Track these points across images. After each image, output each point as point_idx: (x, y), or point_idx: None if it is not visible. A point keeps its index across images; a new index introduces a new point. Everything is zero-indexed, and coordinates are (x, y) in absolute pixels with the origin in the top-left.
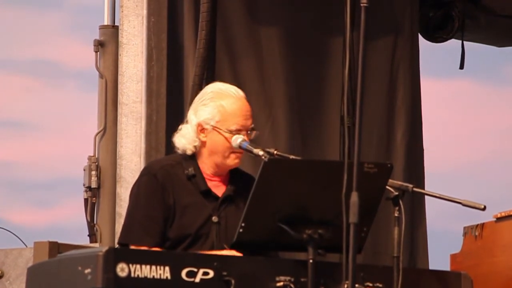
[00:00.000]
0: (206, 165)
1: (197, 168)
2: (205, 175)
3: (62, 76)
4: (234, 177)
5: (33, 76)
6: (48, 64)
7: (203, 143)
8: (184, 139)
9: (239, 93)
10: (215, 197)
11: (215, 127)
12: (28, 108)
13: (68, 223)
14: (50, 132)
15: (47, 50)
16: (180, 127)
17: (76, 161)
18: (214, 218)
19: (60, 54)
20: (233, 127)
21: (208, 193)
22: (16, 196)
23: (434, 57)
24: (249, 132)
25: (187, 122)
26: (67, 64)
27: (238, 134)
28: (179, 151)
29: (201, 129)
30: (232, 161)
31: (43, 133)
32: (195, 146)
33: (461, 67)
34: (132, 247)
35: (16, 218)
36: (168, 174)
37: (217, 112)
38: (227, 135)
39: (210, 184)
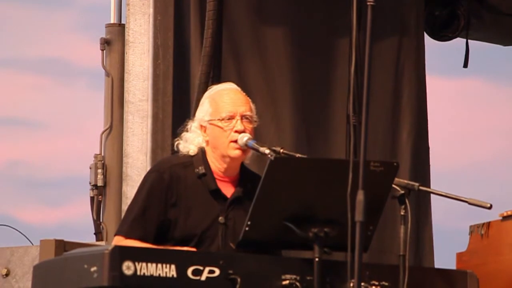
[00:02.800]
0: (214, 164)
1: (208, 167)
2: (215, 175)
3: (71, 74)
4: (244, 178)
5: (42, 74)
6: (57, 62)
7: (207, 142)
8: (187, 142)
9: (231, 85)
10: (224, 197)
11: (210, 120)
12: (37, 106)
13: (77, 221)
14: (58, 130)
15: (56, 48)
16: (182, 134)
17: (84, 159)
18: (221, 219)
19: (69, 53)
20: (224, 114)
21: (217, 193)
22: (25, 194)
23: (442, 55)
24: (245, 119)
25: (187, 130)
26: (76, 62)
27: (231, 121)
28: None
29: (203, 129)
30: (233, 151)
31: (52, 131)
32: (199, 148)
33: (465, 65)
34: (121, 238)
35: (24, 216)
36: (177, 174)
37: (209, 107)
38: (220, 124)
39: (220, 184)
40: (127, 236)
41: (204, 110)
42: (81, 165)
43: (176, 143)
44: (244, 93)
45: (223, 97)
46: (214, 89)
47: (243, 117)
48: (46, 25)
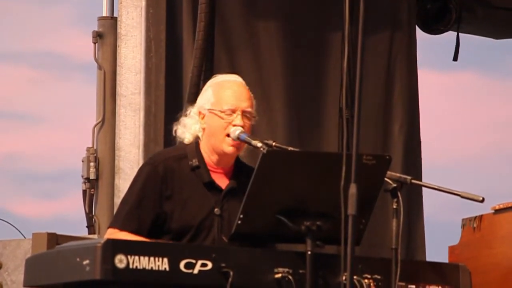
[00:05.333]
0: (208, 155)
1: (201, 159)
2: (209, 167)
3: (64, 67)
4: (238, 170)
5: (36, 68)
6: (50, 56)
7: (203, 130)
8: (185, 128)
9: (237, 78)
10: (219, 189)
11: (210, 109)
12: (31, 100)
13: (71, 214)
14: (54, 124)
15: (49, 42)
16: (180, 119)
17: (78, 153)
18: (217, 211)
19: (62, 46)
20: (226, 107)
21: (211, 185)
22: (20, 188)
23: (434, 49)
24: (246, 115)
25: (186, 115)
26: (69, 55)
27: (231, 115)
28: (179, 140)
29: (201, 116)
30: (227, 147)
31: (47, 125)
32: (196, 136)
33: (455, 59)
34: (115, 231)
35: (19, 209)
36: (171, 167)
37: (212, 95)
38: (220, 115)
39: (214, 176)
40: (121, 228)
41: (206, 98)
42: (75, 159)
43: (174, 128)
44: (247, 88)
45: (226, 90)
46: (219, 78)
47: (243, 113)
48: (39, 19)
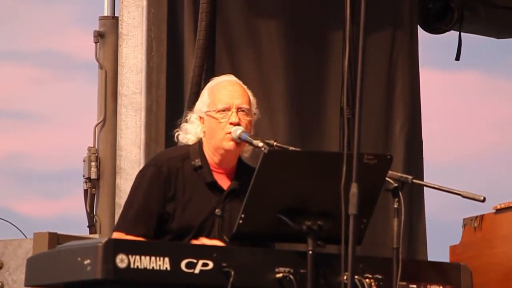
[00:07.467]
0: (210, 156)
1: (204, 159)
2: (212, 167)
3: (68, 67)
4: (240, 171)
5: (37, 67)
6: (53, 55)
7: (204, 133)
8: (187, 133)
9: (231, 78)
10: (221, 190)
11: (207, 111)
12: (34, 99)
13: (73, 214)
14: (55, 123)
15: (50, 41)
16: (181, 125)
17: (80, 152)
18: (217, 211)
19: (64, 45)
20: (220, 106)
21: (213, 186)
22: (23, 187)
23: (436, 48)
24: (242, 111)
25: (186, 121)
26: (72, 55)
27: (226, 113)
28: (184, 143)
29: (202, 121)
30: (227, 143)
31: (48, 124)
32: (198, 138)
33: (457, 58)
34: (122, 234)
35: (22, 209)
36: (175, 167)
37: (207, 97)
38: (216, 115)
39: (216, 176)
40: (128, 233)
41: (203, 101)
42: (77, 158)
43: (176, 134)
44: (244, 86)
45: (221, 90)
46: (215, 81)
47: (239, 109)
48: (41, 18)
